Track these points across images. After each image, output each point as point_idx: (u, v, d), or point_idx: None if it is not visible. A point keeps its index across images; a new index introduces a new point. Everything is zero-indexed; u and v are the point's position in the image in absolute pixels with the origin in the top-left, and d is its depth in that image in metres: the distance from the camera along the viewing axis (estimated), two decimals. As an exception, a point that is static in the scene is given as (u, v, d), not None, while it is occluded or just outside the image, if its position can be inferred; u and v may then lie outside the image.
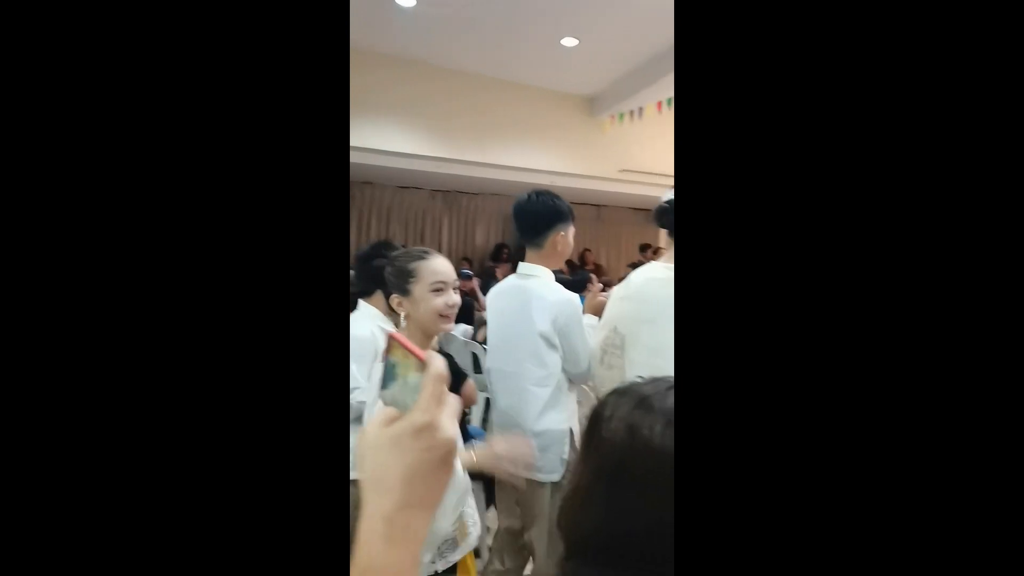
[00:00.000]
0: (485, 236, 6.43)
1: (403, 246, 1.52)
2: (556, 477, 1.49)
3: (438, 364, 0.36)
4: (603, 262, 6.84)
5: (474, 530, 1.19)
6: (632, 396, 0.58)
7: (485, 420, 2.48)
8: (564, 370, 1.50)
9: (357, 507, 0.35)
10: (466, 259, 5.90)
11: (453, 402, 0.37)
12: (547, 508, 1.47)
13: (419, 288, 1.18)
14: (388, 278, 1.23)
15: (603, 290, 1.76)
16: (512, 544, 1.64)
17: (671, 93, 4.69)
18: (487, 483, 1.74)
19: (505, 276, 1.75)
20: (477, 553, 1.80)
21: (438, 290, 1.17)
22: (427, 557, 1.11)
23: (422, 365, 0.36)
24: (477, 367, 2.80)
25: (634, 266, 6.18)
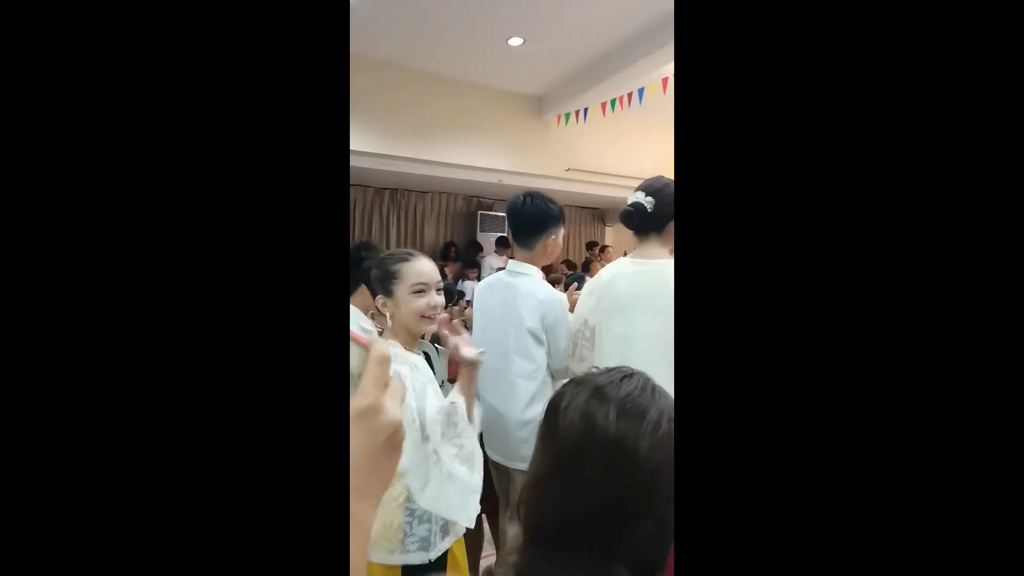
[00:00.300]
0: (434, 235, 6.38)
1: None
2: None
3: (379, 347, 0.36)
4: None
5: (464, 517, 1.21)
6: (588, 386, 0.60)
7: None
8: (548, 365, 1.56)
9: None
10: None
11: (397, 385, 0.37)
12: None
13: (401, 289, 1.20)
14: (373, 279, 1.25)
15: (577, 288, 1.83)
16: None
17: (615, 95, 4.81)
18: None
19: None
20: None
21: (419, 291, 1.20)
22: (416, 546, 1.13)
23: (366, 351, 0.36)
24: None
25: (569, 264, 6.24)
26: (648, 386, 0.60)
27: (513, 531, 1.66)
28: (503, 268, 1.76)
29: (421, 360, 1.24)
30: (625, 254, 5.95)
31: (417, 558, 1.12)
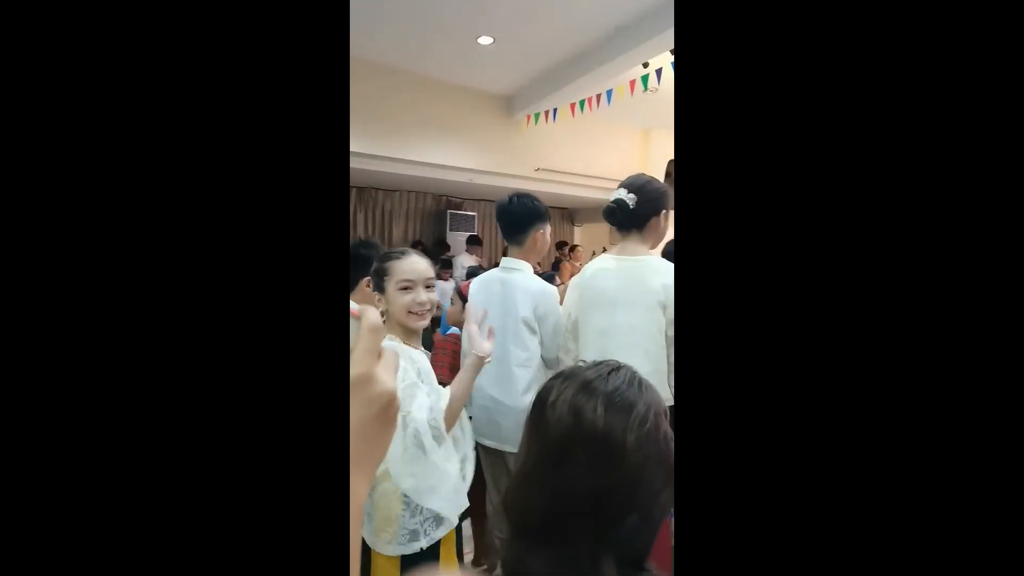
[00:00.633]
0: (402, 233, 6.31)
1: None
2: None
3: (371, 316, 0.35)
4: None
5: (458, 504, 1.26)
6: (575, 380, 0.60)
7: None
8: (541, 355, 1.68)
9: None
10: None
11: (390, 356, 0.36)
12: None
13: (391, 286, 1.26)
14: (372, 276, 1.31)
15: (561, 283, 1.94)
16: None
17: (584, 96, 4.85)
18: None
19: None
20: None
21: (405, 288, 1.25)
22: (407, 536, 1.17)
23: (357, 322, 0.35)
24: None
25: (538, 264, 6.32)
26: (635, 380, 0.60)
27: (499, 523, 1.70)
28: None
29: (419, 355, 1.27)
30: (594, 254, 6.00)
31: (409, 548, 1.18)
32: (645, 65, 4.18)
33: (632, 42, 3.95)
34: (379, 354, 0.35)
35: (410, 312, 1.25)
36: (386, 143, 4.93)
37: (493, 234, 6.93)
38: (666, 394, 1.37)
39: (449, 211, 6.47)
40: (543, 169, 5.78)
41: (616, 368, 0.61)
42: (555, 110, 5.19)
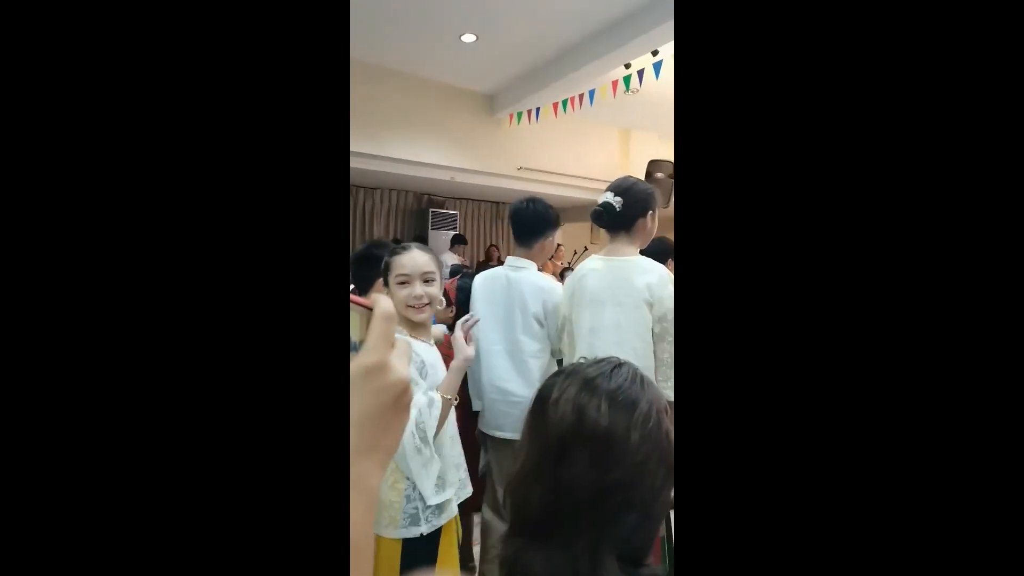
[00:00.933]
0: (385, 232, 6.26)
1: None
2: None
3: (384, 304, 0.35)
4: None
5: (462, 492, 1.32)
6: (577, 378, 0.60)
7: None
8: (550, 346, 1.79)
9: None
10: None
11: (403, 344, 0.36)
12: None
13: (392, 280, 1.30)
14: (382, 272, 1.35)
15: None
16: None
17: (566, 95, 4.87)
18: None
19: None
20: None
21: (402, 282, 1.28)
22: (407, 522, 1.21)
23: (369, 312, 0.35)
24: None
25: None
26: (637, 377, 0.60)
27: (494, 518, 1.72)
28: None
29: (425, 347, 1.30)
30: (575, 253, 5.99)
31: (410, 532, 1.22)
32: (627, 66, 4.22)
33: (615, 43, 3.98)
34: (392, 343, 0.35)
35: (408, 306, 1.28)
36: (367, 140, 4.87)
37: (476, 233, 6.91)
38: (657, 389, 1.43)
39: (431, 210, 6.44)
40: (525, 168, 5.78)
41: (618, 365, 0.61)
42: (538, 109, 5.20)
